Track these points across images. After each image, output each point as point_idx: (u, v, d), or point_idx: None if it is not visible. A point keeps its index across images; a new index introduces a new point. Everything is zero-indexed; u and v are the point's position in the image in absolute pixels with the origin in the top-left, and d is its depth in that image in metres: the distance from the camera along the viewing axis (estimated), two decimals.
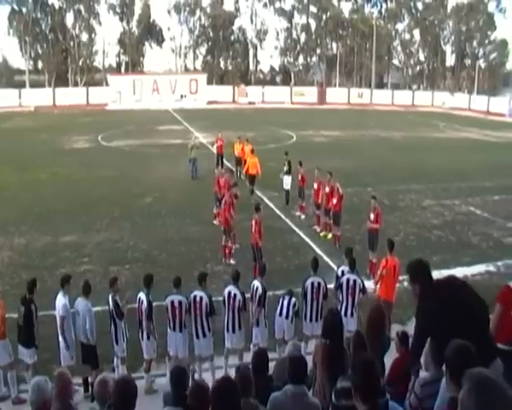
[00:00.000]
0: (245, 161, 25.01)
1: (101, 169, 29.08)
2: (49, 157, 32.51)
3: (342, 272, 11.55)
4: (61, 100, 67.01)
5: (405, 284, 14.74)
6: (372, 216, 15.36)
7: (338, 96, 77.02)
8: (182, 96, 70.25)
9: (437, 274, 15.40)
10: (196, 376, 9.62)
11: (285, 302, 10.69)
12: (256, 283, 10.60)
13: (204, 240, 18.07)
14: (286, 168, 22.14)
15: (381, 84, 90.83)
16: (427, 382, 5.27)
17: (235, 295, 10.25)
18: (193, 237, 18.35)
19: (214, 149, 29.07)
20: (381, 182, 25.85)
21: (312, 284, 10.84)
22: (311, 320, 10.88)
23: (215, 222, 19.45)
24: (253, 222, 14.93)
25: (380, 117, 60.09)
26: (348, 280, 11.09)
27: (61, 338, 9.79)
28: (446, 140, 43.49)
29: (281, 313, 10.71)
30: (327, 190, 18.37)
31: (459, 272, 15.51)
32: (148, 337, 9.99)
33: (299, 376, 5.31)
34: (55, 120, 53.68)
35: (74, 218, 20.31)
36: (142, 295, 9.96)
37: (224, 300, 10.37)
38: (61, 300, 9.73)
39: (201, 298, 9.99)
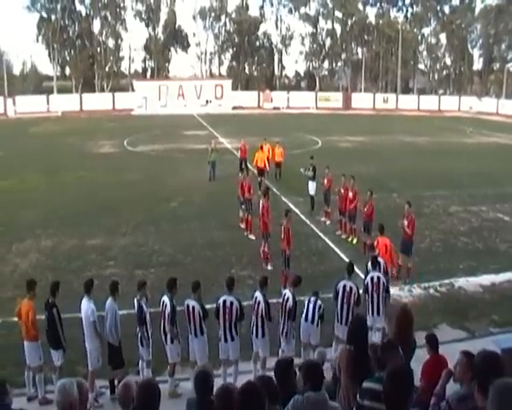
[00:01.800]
0: (279, 164, 27.83)
1: (126, 173, 29.36)
2: (75, 161, 32.95)
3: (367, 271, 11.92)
4: (88, 105, 68.01)
5: (431, 291, 14.69)
6: (406, 222, 15.22)
7: (363, 101, 76.66)
8: (207, 102, 70.63)
9: (463, 282, 15.35)
10: (220, 380, 9.63)
11: (310, 306, 10.65)
12: (287, 293, 10.53)
13: (229, 244, 18.11)
14: (311, 174, 22.08)
15: (406, 90, 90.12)
16: (465, 397, 5.12)
17: (259, 301, 10.25)
18: (218, 242, 18.40)
19: (238, 155, 29.46)
20: (407, 188, 25.62)
21: (344, 287, 10.93)
22: (341, 323, 10.86)
23: (241, 225, 19.53)
24: (282, 228, 14.90)
25: (405, 122, 59.63)
26: (372, 278, 11.36)
27: (88, 342, 9.89)
28: (473, 145, 42.95)
29: (306, 318, 10.69)
30: (350, 195, 18.40)
31: (486, 279, 15.36)
32: (172, 341, 10.02)
33: (318, 382, 5.28)
34: (82, 124, 54.41)
35: (100, 221, 20.54)
36: (165, 299, 10.01)
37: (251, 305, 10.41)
38: (88, 305, 9.80)
39: (232, 303, 9.95)
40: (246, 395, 4.30)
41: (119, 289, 10.14)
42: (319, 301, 10.67)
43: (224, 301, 10.02)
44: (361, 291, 11.43)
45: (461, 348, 6.13)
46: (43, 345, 9.91)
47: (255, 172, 26.63)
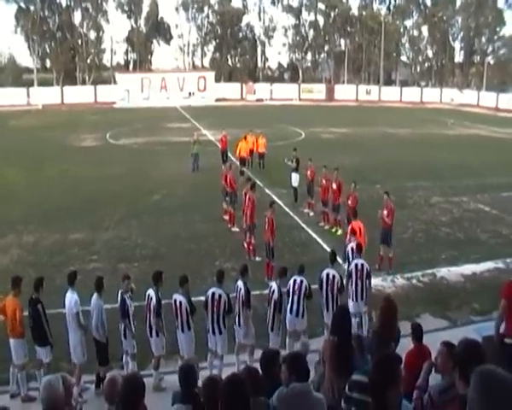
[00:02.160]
0: (262, 154, 28.61)
1: (109, 167, 29.19)
2: (57, 155, 32.68)
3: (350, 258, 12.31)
4: (69, 98, 67.30)
5: (414, 281, 14.82)
6: (385, 212, 15.31)
7: (346, 92, 76.83)
8: (190, 94, 70.34)
9: (445, 272, 15.52)
10: (207, 372, 9.63)
11: (295, 298, 10.76)
12: (273, 285, 10.60)
13: (212, 237, 18.11)
14: (294, 165, 22.14)
15: (389, 81, 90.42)
16: (446, 388, 5.20)
17: (240, 289, 10.34)
18: (201, 234, 18.39)
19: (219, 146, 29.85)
20: (389, 179, 25.76)
21: (328, 275, 11.08)
22: (327, 310, 11.01)
23: (225, 217, 19.54)
24: (266, 219, 14.94)
25: (388, 114, 59.91)
26: (356, 265, 11.55)
27: (72, 335, 9.84)
28: (455, 137, 43.28)
29: (291, 311, 10.82)
30: (334, 186, 18.49)
31: (467, 269, 15.53)
32: (157, 334, 10.00)
33: (303, 373, 5.31)
34: (63, 118, 53.88)
35: (82, 215, 20.40)
36: (151, 292, 9.98)
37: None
38: (72, 297, 9.74)
39: (220, 296, 9.95)
40: (230, 386, 4.32)
41: (103, 285, 10.07)
42: (305, 282, 10.78)
43: (213, 294, 10.01)
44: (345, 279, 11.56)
45: (443, 338, 6.20)
46: (27, 342, 9.84)
47: (237, 163, 26.83)
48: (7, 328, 9.71)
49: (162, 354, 10.18)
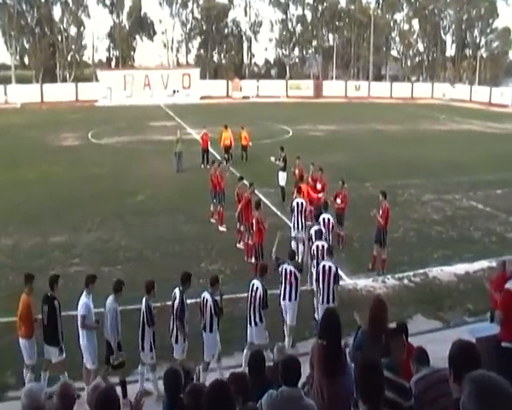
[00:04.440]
0: (245, 147, 30.09)
1: (91, 167, 29.00)
2: (37, 155, 32.40)
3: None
4: (49, 96, 66.64)
5: (405, 281, 14.85)
6: (380, 212, 15.31)
7: (335, 89, 77.01)
8: (174, 92, 70.18)
9: (438, 271, 15.57)
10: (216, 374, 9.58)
11: (288, 287, 11.22)
12: (256, 283, 10.61)
13: (198, 238, 18.04)
14: (281, 164, 22.11)
15: (379, 77, 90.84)
16: (419, 378, 5.31)
17: (256, 288, 10.52)
18: (187, 236, 18.32)
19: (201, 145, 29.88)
20: (380, 177, 25.80)
21: (324, 267, 11.58)
22: (322, 303, 11.43)
23: (212, 220, 19.50)
24: (254, 221, 14.91)
25: (378, 110, 60.07)
26: (324, 266, 11.69)
27: (81, 339, 9.78)
28: (447, 133, 43.50)
29: (284, 297, 11.26)
30: (319, 186, 18.38)
31: (461, 268, 15.59)
32: (176, 340, 10.03)
33: (293, 378, 5.29)
34: (43, 116, 53.47)
35: (64, 217, 20.24)
36: (176, 292, 10.04)
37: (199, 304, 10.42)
38: (82, 299, 9.73)
39: (207, 301, 10.01)
40: (214, 394, 4.28)
41: (122, 288, 9.91)
42: (298, 274, 11.27)
43: (203, 298, 10.11)
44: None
45: (436, 339, 6.23)
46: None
47: (218, 157, 27.11)
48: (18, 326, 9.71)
49: (183, 357, 10.10)
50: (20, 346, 9.76)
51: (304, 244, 15.20)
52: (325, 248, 12.55)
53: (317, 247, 12.88)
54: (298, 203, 16.04)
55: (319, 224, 14.27)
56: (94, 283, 9.92)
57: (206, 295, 10.03)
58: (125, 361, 9.84)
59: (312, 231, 13.66)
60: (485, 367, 3.48)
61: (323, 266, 11.58)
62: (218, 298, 10.00)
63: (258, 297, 10.41)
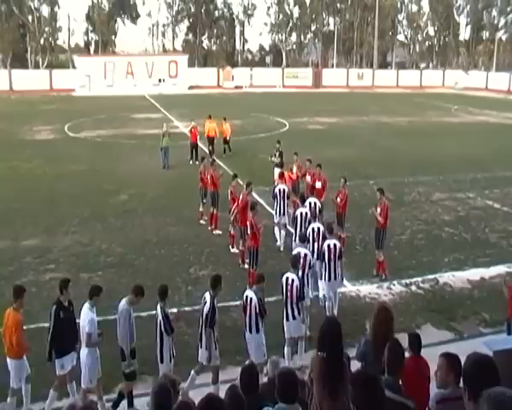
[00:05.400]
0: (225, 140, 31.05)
1: (68, 163, 28.92)
2: (6, 149, 32.25)
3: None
4: (20, 84, 66.59)
5: (413, 288, 14.86)
6: (379, 210, 15.30)
7: (335, 77, 77.19)
8: (160, 81, 70.20)
9: (449, 277, 15.56)
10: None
11: (288, 307, 11.13)
12: (250, 293, 10.56)
13: (186, 241, 18.00)
14: (278, 160, 22.08)
15: (384, 64, 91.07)
16: (444, 398, 5.22)
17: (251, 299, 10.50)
18: (174, 239, 18.28)
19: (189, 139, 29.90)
20: (385, 174, 25.85)
21: (329, 245, 12.86)
22: (325, 280, 12.99)
23: (202, 222, 19.50)
24: (248, 224, 14.88)
25: (383, 101, 60.21)
26: (329, 245, 12.94)
27: (82, 356, 9.69)
28: (459, 125, 43.61)
29: (288, 318, 11.21)
30: (318, 184, 18.30)
31: (475, 274, 15.60)
32: (206, 347, 10.07)
33: (291, 393, 5.27)
34: (13, 107, 53.36)
35: (37, 219, 20.15)
36: (206, 296, 10.15)
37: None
38: (87, 314, 9.58)
39: (293, 280, 10.97)
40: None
41: (143, 292, 9.92)
42: (296, 282, 11.11)
43: (287, 279, 11.08)
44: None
45: (448, 351, 6.19)
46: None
47: (207, 151, 27.73)
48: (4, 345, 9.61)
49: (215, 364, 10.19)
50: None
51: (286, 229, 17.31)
52: (321, 230, 13.76)
53: (313, 229, 14.02)
54: (280, 190, 17.55)
55: (305, 207, 15.64)
56: (99, 295, 9.74)
57: (250, 293, 10.40)
58: (136, 373, 9.86)
59: (298, 213, 15.30)
60: (504, 384, 3.46)
61: (328, 245, 12.83)
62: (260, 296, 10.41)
63: (253, 308, 10.36)
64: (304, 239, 13.43)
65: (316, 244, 13.74)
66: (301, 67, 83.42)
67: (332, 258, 12.85)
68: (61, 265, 16.24)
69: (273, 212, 18.00)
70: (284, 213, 17.47)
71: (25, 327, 9.70)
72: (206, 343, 10.06)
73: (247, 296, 10.56)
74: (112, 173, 26.81)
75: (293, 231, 15.83)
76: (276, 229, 17.65)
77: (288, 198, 17.54)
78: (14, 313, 9.49)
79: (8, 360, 9.60)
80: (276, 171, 22.05)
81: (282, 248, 16.99)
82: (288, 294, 11.03)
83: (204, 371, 10.21)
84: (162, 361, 9.86)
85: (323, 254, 12.97)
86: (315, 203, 16.11)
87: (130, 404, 9.68)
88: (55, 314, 9.54)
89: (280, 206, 17.49)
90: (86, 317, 9.56)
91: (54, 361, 9.71)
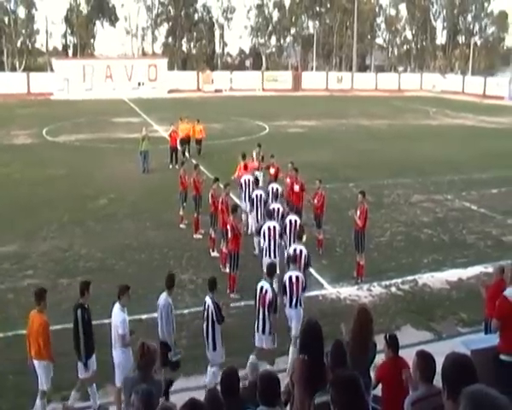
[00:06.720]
0: (199, 141, 31.92)
1: (46, 167, 28.70)
2: None
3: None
4: None
5: (393, 289, 14.94)
6: (358, 213, 15.36)
7: (315, 81, 77.44)
8: (139, 84, 69.96)
9: (428, 278, 15.66)
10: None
11: (294, 288, 11.31)
12: (265, 285, 10.75)
13: (166, 246, 17.95)
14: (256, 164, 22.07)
15: (363, 67, 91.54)
16: (419, 398, 5.30)
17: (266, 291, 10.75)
18: (154, 243, 18.22)
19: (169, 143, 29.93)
20: (364, 176, 25.99)
21: (295, 250, 12.64)
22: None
23: (182, 226, 19.46)
24: (228, 227, 14.86)
25: (362, 104, 60.51)
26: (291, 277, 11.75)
27: (116, 357, 9.70)
28: (437, 128, 43.96)
29: (290, 305, 11.40)
30: (296, 187, 18.32)
31: (453, 274, 15.73)
32: (214, 348, 10.17)
33: (272, 396, 5.29)
34: None
35: (15, 224, 19.95)
36: (207, 300, 10.24)
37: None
38: (119, 315, 9.60)
39: (298, 277, 11.31)
40: None
41: (174, 282, 10.50)
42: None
43: (290, 277, 11.31)
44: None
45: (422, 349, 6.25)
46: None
47: (187, 155, 28.09)
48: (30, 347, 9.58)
49: (220, 361, 10.20)
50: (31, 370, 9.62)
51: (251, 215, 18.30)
52: (297, 222, 14.45)
53: (290, 222, 14.67)
54: (245, 180, 18.79)
55: (261, 189, 17.51)
56: (126, 294, 9.76)
57: (293, 273, 11.31)
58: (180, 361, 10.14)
59: (254, 196, 17.27)
60: (481, 382, 3.51)
61: (295, 250, 12.70)
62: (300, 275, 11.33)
63: (268, 300, 10.62)
64: (270, 214, 14.73)
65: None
66: (281, 70, 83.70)
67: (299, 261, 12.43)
68: (40, 271, 16.10)
69: (239, 202, 18.82)
70: (249, 200, 18.19)
71: (1, 335, 9.64)
72: (269, 329, 10.57)
73: (262, 287, 10.78)
74: (91, 178, 26.65)
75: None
76: (244, 215, 18.68)
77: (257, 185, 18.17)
78: (40, 316, 9.49)
79: (36, 362, 9.54)
80: (257, 175, 22.05)
81: (245, 230, 17.82)
82: (261, 305, 10.69)
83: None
84: (215, 349, 10.19)
85: (285, 285, 11.73)
86: (277, 189, 17.76)
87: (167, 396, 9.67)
88: (82, 317, 9.56)
89: (245, 194, 18.67)
90: (118, 318, 9.60)
91: (76, 364, 9.74)
